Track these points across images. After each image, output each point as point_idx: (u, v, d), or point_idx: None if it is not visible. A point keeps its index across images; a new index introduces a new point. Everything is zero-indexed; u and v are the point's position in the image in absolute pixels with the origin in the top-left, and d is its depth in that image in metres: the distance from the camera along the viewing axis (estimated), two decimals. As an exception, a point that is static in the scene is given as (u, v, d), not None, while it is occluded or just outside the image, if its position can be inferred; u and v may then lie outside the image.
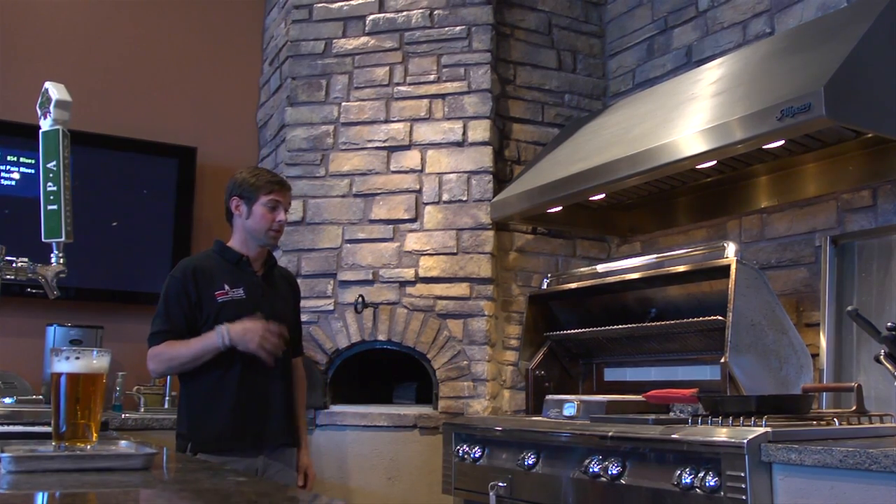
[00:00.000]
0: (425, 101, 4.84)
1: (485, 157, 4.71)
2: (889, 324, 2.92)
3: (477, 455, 3.72)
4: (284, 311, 3.87)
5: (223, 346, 3.51)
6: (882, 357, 3.01)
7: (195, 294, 3.63)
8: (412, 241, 4.69)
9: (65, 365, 2.13)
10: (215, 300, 3.63)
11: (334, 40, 5.01)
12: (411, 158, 4.78)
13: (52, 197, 2.56)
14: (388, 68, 4.91)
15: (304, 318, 4.26)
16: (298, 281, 4.27)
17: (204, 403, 3.63)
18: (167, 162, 5.43)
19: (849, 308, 3.10)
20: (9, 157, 4.98)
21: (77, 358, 2.14)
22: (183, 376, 3.69)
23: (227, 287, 3.66)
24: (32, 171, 4.92)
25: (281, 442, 3.77)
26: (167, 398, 4.97)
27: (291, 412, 3.86)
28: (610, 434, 3.09)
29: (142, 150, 5.37)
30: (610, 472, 3.02)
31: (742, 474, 2.60)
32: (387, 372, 5.04)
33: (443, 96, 4.81)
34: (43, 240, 2.59)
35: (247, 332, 3.51)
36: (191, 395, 3.68)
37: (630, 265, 4.17)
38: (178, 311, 3.62)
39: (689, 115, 3.70)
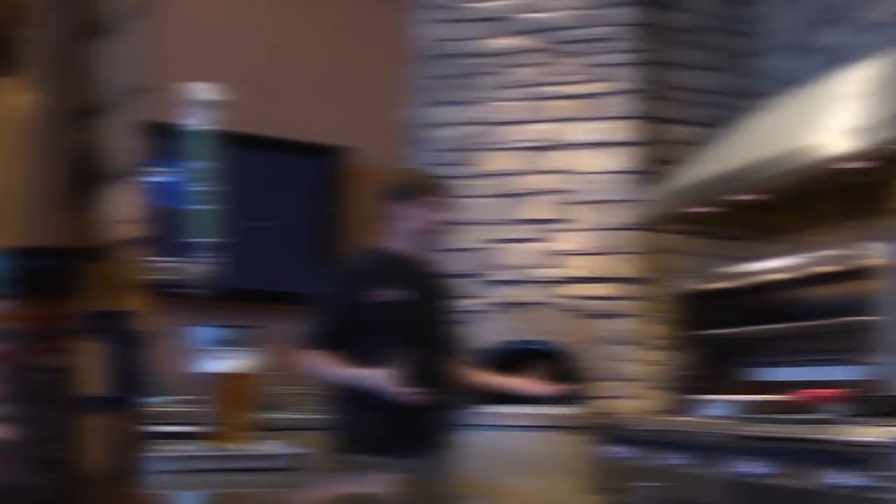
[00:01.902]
0: (573, 101, 4.86)
1: (633, 158, 4.72)
2: None
3: (624, 455, 3.76)
4: (439, 313, 3.86)
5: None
6: None
7: (354, 295, 3.60)
8: (560, 242, 4.73)
9: (214, 365, 2.20)
10: (375, 301, 3.60)
11: (481, 40, 5.06)
12: (558, 159, 4.82)
13: (199, 197, 2.64)
14: (534, 68, 4.94)
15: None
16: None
17: (360, 404, 3.59)
18: (315, 162, 5.41)
19: None
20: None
21: (227, 358, 2.21)
22: None
23: (387, 288, 3.62)
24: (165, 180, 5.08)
25: (435, 443, 3.74)
26: (316, 399, 5.06)
27: (445, 414, 3.84)
28: (758, 434, 3.09)
29: (289, 150, 5.34)
30: (759, 472, 3.03)
31: (892, 473, 2.59)
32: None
33: (590, 96, 4.83)
34: (189, 239, 2.68)
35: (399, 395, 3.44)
36: (347, 394, 3.66)
37: (777, 265, 4.15)
38: (334, 312, 3.61)
39: (839, 115, 3.66)
